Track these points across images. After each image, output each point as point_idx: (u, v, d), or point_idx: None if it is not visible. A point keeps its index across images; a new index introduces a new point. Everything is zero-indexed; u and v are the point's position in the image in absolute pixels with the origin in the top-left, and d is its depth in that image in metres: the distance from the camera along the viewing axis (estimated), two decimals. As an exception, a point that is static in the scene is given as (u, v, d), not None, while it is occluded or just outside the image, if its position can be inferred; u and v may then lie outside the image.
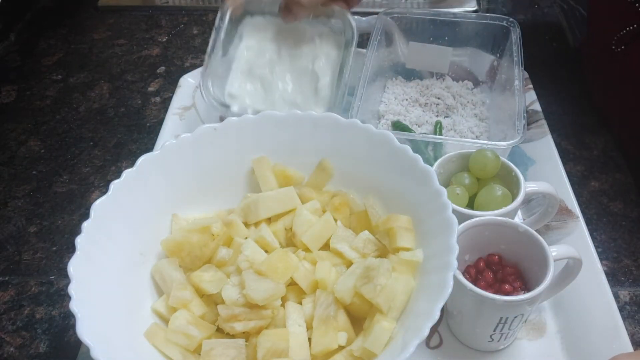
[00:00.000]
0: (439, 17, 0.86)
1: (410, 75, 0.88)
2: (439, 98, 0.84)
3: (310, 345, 0.52)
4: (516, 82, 0.74)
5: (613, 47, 0.80)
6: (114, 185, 0.55)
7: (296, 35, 0.80)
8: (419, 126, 0.81)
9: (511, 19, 0.82)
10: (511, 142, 0.67)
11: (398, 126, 0.79)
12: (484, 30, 0.84)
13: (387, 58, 0.87)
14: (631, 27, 0.76)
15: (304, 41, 0.79)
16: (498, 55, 0.84)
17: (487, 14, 0.84)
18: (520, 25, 0.81)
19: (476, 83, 0.87)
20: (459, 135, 0.78)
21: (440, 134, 0.77)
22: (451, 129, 0.80)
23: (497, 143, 0.67)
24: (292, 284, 0.56)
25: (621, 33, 0.78)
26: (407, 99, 0.84)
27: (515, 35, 0.80)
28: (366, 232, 0.58)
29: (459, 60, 0.87)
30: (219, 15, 0.78)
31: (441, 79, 0.87)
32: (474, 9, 1.07)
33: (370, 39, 0.81)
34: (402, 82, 0.88)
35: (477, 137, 0.78)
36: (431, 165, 0.59)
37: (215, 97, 0.75)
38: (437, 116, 0.82)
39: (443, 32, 0.85)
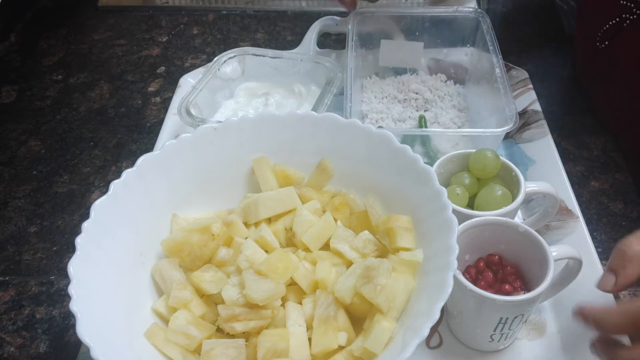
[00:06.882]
0: (412, 12, 0.87)
1: (383, 73, 0.89)
2: (417, 93, 0.84)
3: (310, 345, 0.52)
4: (497, 71, 0.75)
5: (597, 44, 0.79)
6: (114, 185, 0.55)
7: (284, 91, 0.84)
8: (402, 122, 0.80)
9: (479, 10, 0.84)
10: (505, 128, 0.68)
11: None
12: (454, 23, 0.86)
13: (362, 57, 0.88)
14: (613, 21, 0.75)
15: (291, 96, 0.84)
16: (469, 45, 0.86)
17: (456, 7, 0.86)
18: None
19: (449, 76, 0.88)
20: (443, 128, 0.79)
21: (426, 127, 0.78)
22: (434, 122, 0.80)
23: (493, 130, 0.68)
24: (292, 284, 0.55)
25: (604, 28, 0.77)
26: (386, 97, 0.85)
27: (485, 25, 0.81)
28: (366, 232, 0.58)
29: (432, 54, 0.88)
30: (216, 59, 0.83)
31: (415, 74, 0.88)
32: (474, 8, 1.06)
33: (347, 40, 0.82)
34: (377, 80, 0.88)
35: (459, 128, 0.78)
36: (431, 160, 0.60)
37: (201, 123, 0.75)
38: (417, 111, 0.82)
39: (414, 28, 0.87)
